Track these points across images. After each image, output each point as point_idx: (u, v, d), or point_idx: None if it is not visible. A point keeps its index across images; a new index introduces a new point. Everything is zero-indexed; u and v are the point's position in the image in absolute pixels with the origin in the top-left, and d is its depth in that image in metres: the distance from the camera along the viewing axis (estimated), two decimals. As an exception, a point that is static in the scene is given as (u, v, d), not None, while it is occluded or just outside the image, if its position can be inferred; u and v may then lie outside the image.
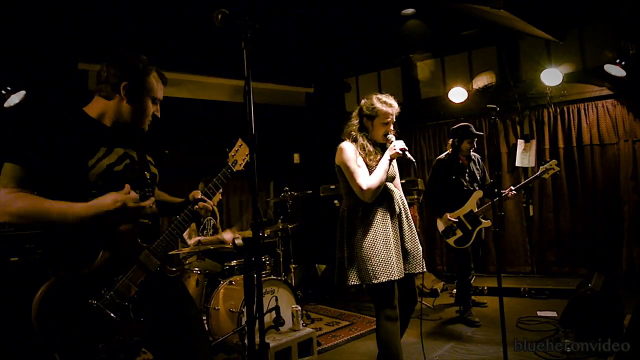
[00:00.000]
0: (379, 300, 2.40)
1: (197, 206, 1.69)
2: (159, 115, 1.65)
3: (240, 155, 1.81)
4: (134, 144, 1.64)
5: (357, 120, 2.56)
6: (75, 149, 1.46)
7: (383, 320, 2.37)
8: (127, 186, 1.45)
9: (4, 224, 3.14)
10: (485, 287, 4.84)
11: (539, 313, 4.00)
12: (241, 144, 1.82)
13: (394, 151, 2.40)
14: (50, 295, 1.37)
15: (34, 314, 1.34)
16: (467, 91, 5.44)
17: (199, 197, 1.71)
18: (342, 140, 2.54)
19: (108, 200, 1.40)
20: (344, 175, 2.48)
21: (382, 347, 2.39)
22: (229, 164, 1.78)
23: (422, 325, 3.07)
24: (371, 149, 2.49)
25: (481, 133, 4.08)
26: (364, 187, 2.36)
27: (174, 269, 1.60)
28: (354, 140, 2.50)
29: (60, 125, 1.50)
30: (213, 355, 1.80)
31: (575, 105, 5.16)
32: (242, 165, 1.80)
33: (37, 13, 3.70)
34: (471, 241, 3.97)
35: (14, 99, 3.70)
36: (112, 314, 1.41)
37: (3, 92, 3.66)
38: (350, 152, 2.44)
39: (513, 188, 4.04)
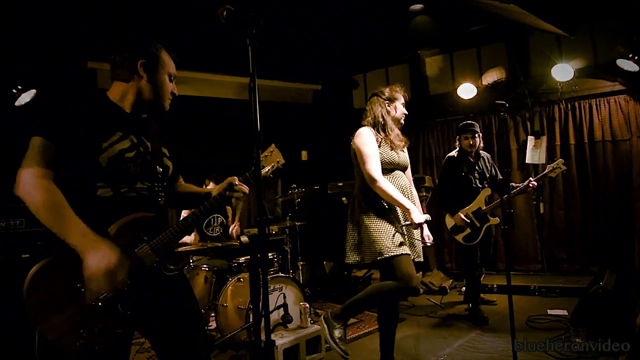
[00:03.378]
0: (394, 275, 2.47)
1: (231, 192, 1.63)
2: (177, 94, 1.66)
3: (269, 161, 1.73)
4: (149, 134, 1.64)
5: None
6: (94, 129, 1.47)
7: (395, 286, 2.47)
8: (126, 266, 1.43)
9: (15, 221, 3.19)
10: (495, 285, 4.80)
11: (549, 311, 3.96)
12: (273, 150, 1.73)
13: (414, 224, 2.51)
14: (43, 272, 1.39)
15: (25, 288, 1.37)
16: (477, 87, 5.38)
17: (237, 182, 1.64)
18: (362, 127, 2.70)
19: (104, 259, 1.36)
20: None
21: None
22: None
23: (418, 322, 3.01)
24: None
25: (476, 130, 4.03)
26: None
27: (172, 267, 1.57)
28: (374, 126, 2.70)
29: (85, 105, 1.52)
30: (209, 353, 1.76)
31: (587, 101, 5.08)
32: (269, 172, 1.72)
33: (46, 12, 3.74)
34: (479, 238, 3.95)
35: (25, 97, 3.75)
36: (97, 302, 1.40)
37: (14, 90, 3.70)
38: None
39: (533, 179, 3.99)
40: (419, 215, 2.49)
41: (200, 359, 1.62)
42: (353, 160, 2.70)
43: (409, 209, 2.48)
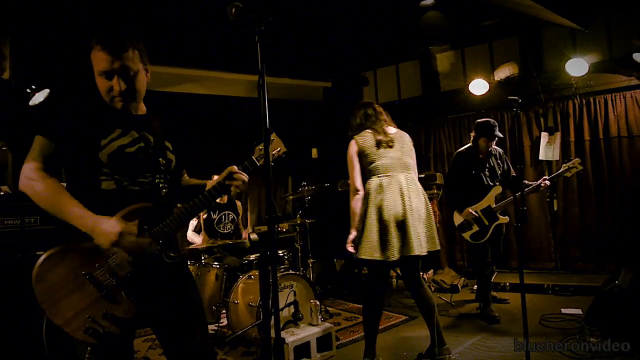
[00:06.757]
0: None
1: (230, 181, 1.64)
2: (121, 88, 1.53)
3: (270, 149, 1.67)
4: (150, 129, 1.66)
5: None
6: (92, 127, 1.53)
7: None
8: (135, 223, 1.49)
9: (30, 219, 3.24)
10: (507, 284, 4.75)
11: (563, 310, 3.91)
12: (273, 139, 1.70)
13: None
14: (51, 260, 1.46)
15: (33, 274, 1.44)
16: (489, 83, 5.31)
17: (235, 170, 1.65)
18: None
19: (109, 227, 1.44)
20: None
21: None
22: (254, 157, 1.68)
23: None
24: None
25: (501, 135, 3.96)
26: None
27: (172, 255, 1.60)
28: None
29: (83, 104, 1.58)
30: (210, 343, 1.81)
31: (602, 96, 4.99)
32: (270, 160, 1.68)
33: (57, 12, 3.78)
34: (487, 236, 3.91)
35: (39, 97, 3.80)
36: (101, 289, 1.46)
37: (28, 90, 3.76)
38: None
39: (547, 178, 3.93)
40: None
41: (201, 348, 1.66)
42: (412, 154, 2.96)
43: None
